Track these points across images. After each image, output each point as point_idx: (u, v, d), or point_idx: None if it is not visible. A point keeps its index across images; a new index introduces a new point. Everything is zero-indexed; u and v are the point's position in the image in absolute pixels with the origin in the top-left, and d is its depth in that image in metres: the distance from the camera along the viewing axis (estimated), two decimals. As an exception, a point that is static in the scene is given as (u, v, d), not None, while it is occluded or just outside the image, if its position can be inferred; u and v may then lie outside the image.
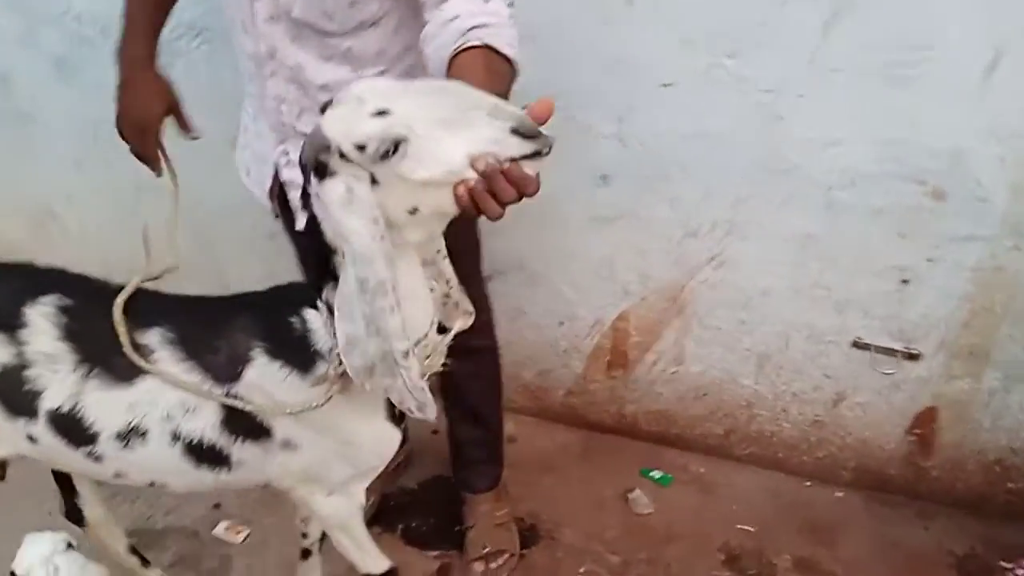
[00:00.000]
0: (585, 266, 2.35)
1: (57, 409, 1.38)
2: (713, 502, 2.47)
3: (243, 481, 1.49)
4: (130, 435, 1.39)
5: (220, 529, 2.38)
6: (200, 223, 2.43)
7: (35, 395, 1.38)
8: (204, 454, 1.42)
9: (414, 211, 1.08)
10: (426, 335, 1.24)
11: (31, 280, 1.43)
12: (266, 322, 1.35)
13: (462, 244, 1.45)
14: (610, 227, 2.25)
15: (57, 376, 1.37)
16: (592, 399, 2.61)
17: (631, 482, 2.51)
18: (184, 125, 1.69)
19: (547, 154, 1.03)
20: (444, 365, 1.33)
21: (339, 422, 1.40)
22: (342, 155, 1.04)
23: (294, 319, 1.31)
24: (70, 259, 1.50)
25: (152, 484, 1.50)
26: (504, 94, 1.18)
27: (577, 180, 2.19)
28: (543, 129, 1.01)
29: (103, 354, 1.36)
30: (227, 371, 1.34)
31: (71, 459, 1.45)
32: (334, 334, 1.19)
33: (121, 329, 1.33)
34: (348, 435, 1.44)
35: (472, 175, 1.00)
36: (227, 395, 1.34)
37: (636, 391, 2.54)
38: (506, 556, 2.28)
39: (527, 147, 1.01)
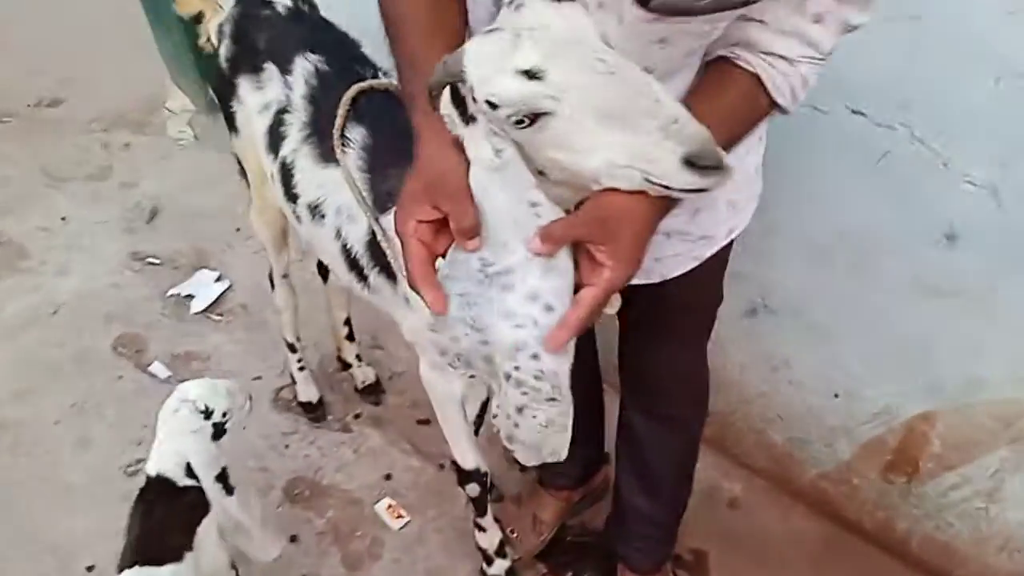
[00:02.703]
0: (888, 340, 1.69)
1: (284, 157, 1.49)
2: None
3: (384, 307, 1.50)
4: (315, 211, 1.46)
5: (382, 506, 2.14)
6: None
7: (282, 137, 1.50)
8: (352, 263, 1.45)
9: (542, 173, 0.90)
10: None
11: (313, 33, 1.53)
12: None
13: (691, 297, 1.40)
14: (941, 302, 1.57)
15: (293, 129, 1.48)
16: (854, 494, 1.97)
17: (874, 618, 1.89)
18: None
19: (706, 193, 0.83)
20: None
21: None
22: (475, 100, 0.86)
23: None
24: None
25: (328, 270, 1.67)
26: (739, 136, 1.00)
27: (909, 229, 1.52)
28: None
29: (322, 129, 1.41)
30: (382, 201, 1.29)
31: (286, 209, 1.58)
32: None
33: (340, 115, 1.34)
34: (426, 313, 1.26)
35: (614, 184, 0.85)
36: (375, 220, 1.28)
37: (918, 509, 1.87)
38: None
39: (693, 182, 0.82)
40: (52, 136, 3.25)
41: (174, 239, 2.84)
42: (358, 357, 2.34)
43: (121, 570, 1.45)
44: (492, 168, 0.89)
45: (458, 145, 0.93)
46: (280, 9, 1.59)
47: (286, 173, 1.51)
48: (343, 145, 1.35)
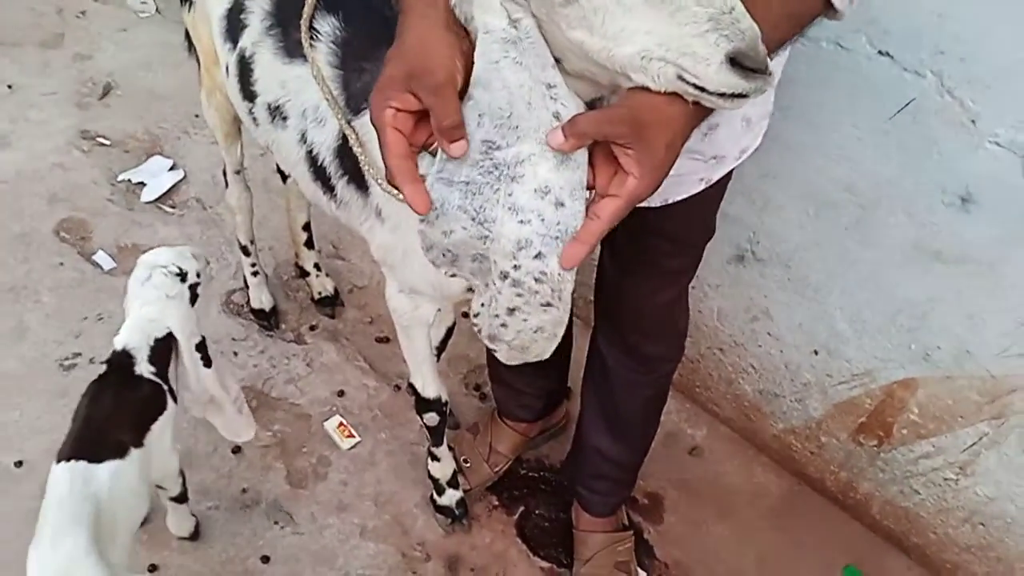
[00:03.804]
0: (883, 302, 1.60)
1: (243, 49, 1.34)
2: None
3: (351, 223, 1.35)
4: (276, 113, 1.32)
5: (332, 424, 2.04)
6: None
7: (242, 26, 1.34)
8: (318, 171, 1.30)
9: (556, 63, 0.81)
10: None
11: None
12: None
13: (684, 229, 1.32)
14: (942, 268, 1.47)
15: (253, 19, 1.32)
16: (819, 451, 1.92)
17: (828, 577, 1.86)
18: None
19: (747, 100, 0.74)
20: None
21: (399, 215, 1.21)
22: None
23: None
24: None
25: (292, 178, 1.50)
26: (788, 37, 0.85)
27: (922, 187, 1.41)
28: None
29: (288, 19, 1.26)
30: (356, 101, 1.15)
31: (240, 108, 1.43)
32: None
33: (308, 6, 1.18)
34: (415, 243, 1.12)
35: (641, 80, 0.75)
36: (347, 123, 1.11)
37: (884, 473, 1.82)
38: None
39: (735, 85, 0.73)
40: (2, -1, 2.99)
41: (127, 120, 2.65)
42: (316, 266, 2.20)
43: (58, 462, 1.33)
44: (506, 39, 0.78)
45: (451, 27, 0.81)
46: None
47: (245, 68, 1.34)
48: (312, 38, 1.19)
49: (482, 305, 0.90)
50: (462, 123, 0.78)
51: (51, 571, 1.22)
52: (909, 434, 1.71)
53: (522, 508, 1.95)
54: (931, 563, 1.86)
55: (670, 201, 1.20)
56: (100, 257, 2.31)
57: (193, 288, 1.53)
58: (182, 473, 1.64)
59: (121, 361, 1.42)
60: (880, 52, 1.32)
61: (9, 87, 2.72)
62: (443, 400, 1.65)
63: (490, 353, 1.87)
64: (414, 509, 1.92)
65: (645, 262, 1.38)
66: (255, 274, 2.13)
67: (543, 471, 2.02)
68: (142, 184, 2.48)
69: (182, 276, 1.51)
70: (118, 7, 3.01)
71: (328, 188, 1.32)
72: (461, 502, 1.86)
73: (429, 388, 1.62)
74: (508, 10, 0.77)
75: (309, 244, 2.16)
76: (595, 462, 1.76)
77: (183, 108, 2.60)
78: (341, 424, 2.04)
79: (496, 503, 1.95)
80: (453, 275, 0.90)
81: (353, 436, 2.02)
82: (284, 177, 2.04)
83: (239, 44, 1.35)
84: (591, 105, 0.85)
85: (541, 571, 1.86)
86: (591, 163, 0.81)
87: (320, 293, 2.23)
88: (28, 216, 2.38)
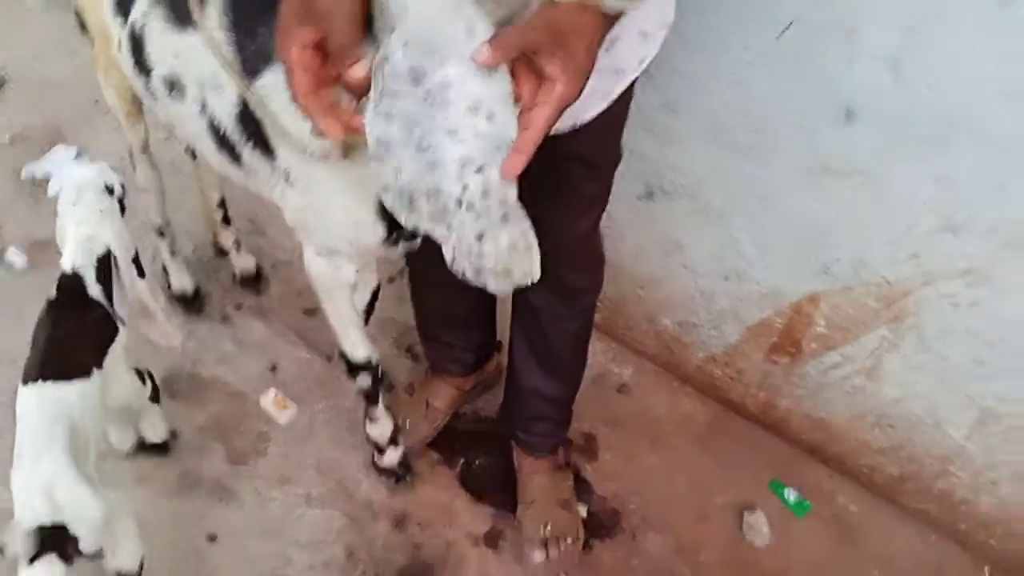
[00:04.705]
0: (782, 222, 1.68)
1: (133, 23, 1.32)
2: (852, 554, 1.89)
3: (261, 191, 1.36)
4: (173, 85, 1.31)
5: (268, 398, 2.05)
6: None
7: (130, 2, 1.32)
8: (222, 140, 1.29)
9: None
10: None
11: None
12: None
13: (594, 152, 1.36)
14: (834, 182, 1.55)
15: None
16: (738, 375, 2.01)
17: (754, 494, 1.96)
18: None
19: None
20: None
21: (321, 182, 1.23)
22: None
23: None
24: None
25: (195, 151, 1.48)
26: None
27: (808, 106, 1.49)
28: None
29: None
30: (252, 63, 1.15)
31: (137, 85, 1.42)
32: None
33: None
34: (327, 200, 1.27)
35: None
36: (246, 87, 1.13)
37: (799, 388, 1.92)
38: (569, 543, 1.84)
39: None
40: None
41: (26, 113, 2.57)
42: (237, 243, 2.19)
43: (26, 383, 1.37)
44: None
45: None
46: None
47: (136, 42, 1.33)
48: (201, 2, 1.18)
49: (454, 249, 0.91)
50: (356, 45, 0.81)
51: (36, 487, 1.25)
52: (818, 347, 1.82)
53: (463, 460, 1.99)
54: (849, 470, 1.98)
55: (579, 123, 1.24)
56: (11, 254, 2.25)
57: (120, 201, 1.60)
58: (148, 376, 1.72)
59: (72, 283, 1.47)
60: (754, -22, 1.38)
61: None
62: (374, 361, 1.67)
63: (418, 310, 1.91)
64: (357, 474, 1.95)
65: (561, 190, 1.42)
66: (173, 255, 2.11)
67: (480, 422, 2.07)
68: (48, 178, 2.41)
69: (110, 190, 1.57)
70: None
71: (234, 157, 1.32)
72: (403, 461, 1.90)
73: (359, 351, 1.63)
74: None
75: (226, 221, 2.15)
76: (531, 403, 1.81)
77: (82, 95, 2.53)
78: (277, 397, 2.05)
79: (437, 458, 1.99)
80: (415, 226, 0.91)
81: (288, 407, 2.03)
82: (194, 155, 2.03)
83: (129, 17, 1.33)
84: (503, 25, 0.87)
85: (487, 517, 1.91)
86: (514, 78, 0.85)
87: (243, 271, 2.22)
88: (-72, 220, 2.30)
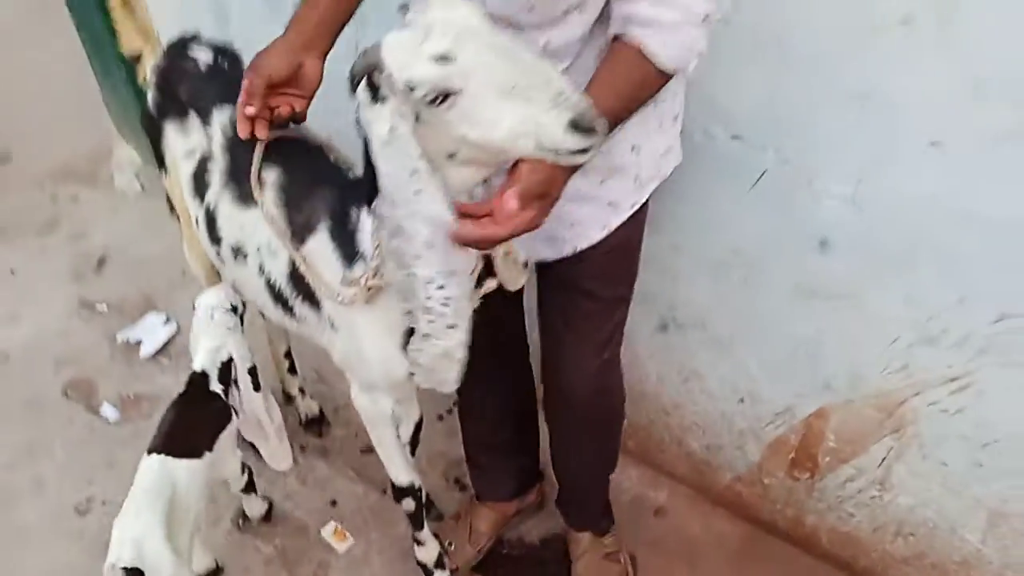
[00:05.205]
0: (780, 343, 1.86)
1: (208, 203, 1.61)
2: (891, 668, 1.93)
3: (313, 337, 1.61)
4: (238, 251, 1.58)
5: (328, 530, 2.24)
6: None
7: (206, 185, 1.62)
8: (278, 296, 1.56)
9: (452, 156, 1.11)
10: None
11: (229, 87, 1.58)
12: (340, 204, 1.39)
13: (602, 286, 1.59)
14: (821, 305, 1.74)
15: (214, 176, 1.59)
16: (765, 494, 2.13)
17: (790, 611, 2.03)
18: (290, 105, 1.45)
19: (590, 154, 1.05)
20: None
21: (356, 325, 1.46)
22: (392, 85, 1.05)
23: (354, 212, 1.36)
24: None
25: (260, 308, 1.71)
26: (634, 103, 1.20)
27: (785, 239, 1.70)
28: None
29: (241, 174, 1.51)
30: (300, 232, 1.43)
31: (210, 252, 1.70)
32: (375, 243, 1.29)
33: (256, 161, 1.45)
34: (360, 340, 1.49)
35: (514, 153, 1.07)
36: (295, 251, 1.43)
37: (822, 503, 2.03)
38: None
39: (578, 142, 1.03)
40: (0, 191, 3.34)
41: (122, 285, 2.94)
42: (301, 390, 2.44)
43: (149, 452, 1.69)
44: (382, 143, 1.11)
45: (289, 47, 1.37)
46: (201, 65, 1.69)
47: (210, 218, 1.62)
48: (260, 186, 1.48)
49: (414, 340, 1.24)
50: (250, 95, 1.36)
51: (129, 536, 1.53)
52: (832, 461, 1.94)
53: (508, 584, 2.13)
54: (880, 582, 2.04)
55: (579, 248, 1.48)
56: (106, 410, 2.54)
57: (241, 319, 1.87)
58: (247, 469, 2.02)
59: (199, 380, 1.77)
60: (732, 136, 1.64)
61: (12, 272, 3.02)
62: (416, 486, 1.86)
63: (465, 438, 2.12)
64: (409, 598, 2.10)
65: (571, 325, 1.64)
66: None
67: (524, 548, 2.21)
68: (140, 341, 2.74)
69: (235, 309, 1.84)
70: (107, 189, 3.36)
71: (288, 309, 1.58)
72: (450, 581, 2.05)
73: (403, 476, 1.83)
74: (391, 123, 1.09)
75: (292, 371, 2.41)
76: (577, 497, 2.04)
77: (171, 269, 2.89)
78: (336, 529, 2.24)
79: (483, 583, 2.13)
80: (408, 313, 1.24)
81: (347, 539, 2.22)
82: (262, 313, 2.31)
83: (204, 200, 1.63)
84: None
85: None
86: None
87: (307, 415, 2.46)
88: (38, 382, 2.62)
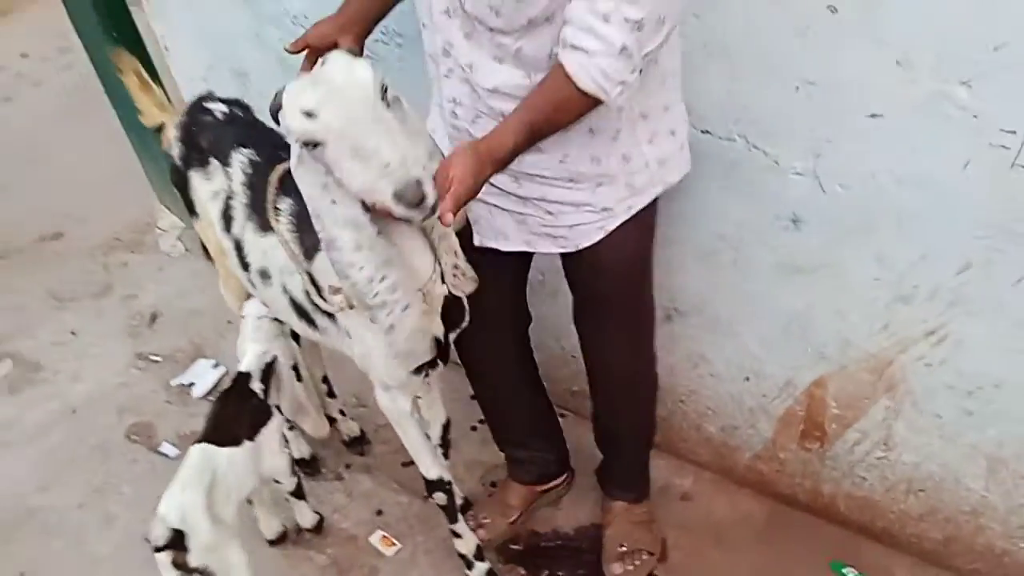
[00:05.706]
0: (773, 319, 1.99)
1: (235, 235, 1.78)
2: (918, 622, 2.02)
3: (335, 346, 1.78)
4: (263, 274, 1.76)
5: (376, 537, 2.40)
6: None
7: (232, 219, 1.79)
8: (299, 311, 1.74)
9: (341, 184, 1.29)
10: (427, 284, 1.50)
11: (243, 131, 1.83)
12: None
13: (615, 280, 1.77)
14: (803, 278, 1.88)
15: (238, 211, 1.76)
16: (783, 469, 2.24)
17: (817, 576, 2.13)
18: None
19: (423, 218, 1.25)
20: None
21: (355, 330, 1.63)
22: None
23: None
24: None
25: (288, 324, 1.92)
26: (556, 117, 1.30)
27: (762, 220, 1.84)
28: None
29: (259, 205, 1.69)
30: (309, 251, 1.58)
31: (242, 278, 1.87)
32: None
33: (271, 192, 1.65)
34: (363, 344, 1.65)
35: (375, 201, 1.26)
36: (304, 270, 1.59)
37: (835, 470, 2.14)
38: (645, 555, 2.13)
39: (402, 212, 1.23)
40: (57, 265, 3.61)
41: (173, 337, 3.17)
42: (341, 412, 2.62)
43: (196, 442, 1.90)
44: (295, 165, 1.33)
45: (333, 25, 1.56)
46: (218, 115, 1.88)
47: (238, 247, 1.79)
48: (276, 215, 1.65)
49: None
50: (294, 45, 1.58)
51: (175, 506, 1.73)
52: (838, 427, 2.05)
53: (546, 572, 2.26)
54: (899, 542, 2.12)
55: (581, 246, 1.64)
56: (165, 448, 2.75)
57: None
58: (296, 474, 2.19)
59: (242, 379, 2.00)
60: (702, 131, 1.80)
61: (73, 333, 3.27)
62: (446, 480, 2.00)
63: (495, 430, 2.27)
64: (455, 594, 2.24)
65: (601, 316, 1.84)
66: (291, 428, 2.55)
67: (560, 539, 2.34)
68: (192, 384, 2.95)
69: (280, 320, 2.03)
70: (153, 253, 3.62)
71: (310, 322, 1.75)
72: (491, 572, 2.18)
73: (431, 471, 1.96)
74: (300, 149, 1.31)
75: (331, 394, 2.59)
76: (614, 469, 2.22)
77: (217, 319, 3.11)
78: (383, 536, 2.40)
79: (523, 572, 2.26)
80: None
81: (394, 544, 2.38)
82: (298, 339, 2.51)
83: (233, 232, 1.80)
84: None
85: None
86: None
87: (349, 435, 2.64)
88: (103, 429, 2.84)
